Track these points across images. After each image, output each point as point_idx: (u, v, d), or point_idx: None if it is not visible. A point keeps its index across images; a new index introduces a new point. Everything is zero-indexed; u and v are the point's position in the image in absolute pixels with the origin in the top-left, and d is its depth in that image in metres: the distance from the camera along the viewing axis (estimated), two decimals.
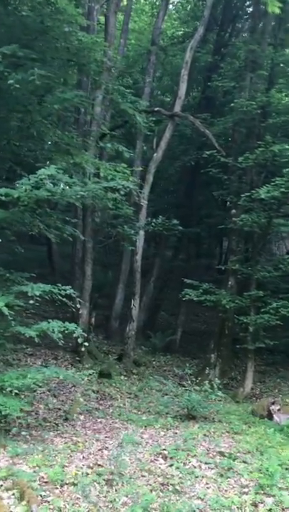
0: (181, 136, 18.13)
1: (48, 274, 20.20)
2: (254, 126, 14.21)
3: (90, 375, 12.30)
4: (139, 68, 21.01)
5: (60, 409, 9.53)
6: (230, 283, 14.06)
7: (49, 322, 7.70)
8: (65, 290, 7.98)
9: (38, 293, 7.45)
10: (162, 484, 7.03)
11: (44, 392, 10.37)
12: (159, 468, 7.59)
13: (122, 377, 13.10)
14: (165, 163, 18.33)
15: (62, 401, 10.09)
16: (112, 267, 19.40)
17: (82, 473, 6.81)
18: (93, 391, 11.18)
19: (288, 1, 12.77)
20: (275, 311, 12.30)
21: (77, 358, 13.24)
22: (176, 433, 9.44)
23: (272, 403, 11.37)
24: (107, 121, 16.50)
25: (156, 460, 7.89)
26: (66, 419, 9.07)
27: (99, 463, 7.30)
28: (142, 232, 14.92)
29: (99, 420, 9.48)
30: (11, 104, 9.43)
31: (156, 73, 21.86)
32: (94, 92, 13.88)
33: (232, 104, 13.71)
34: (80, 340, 7.52)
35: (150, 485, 6.98)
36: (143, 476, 7.25)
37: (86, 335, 7.69)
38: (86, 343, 7.60)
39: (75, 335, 7.55)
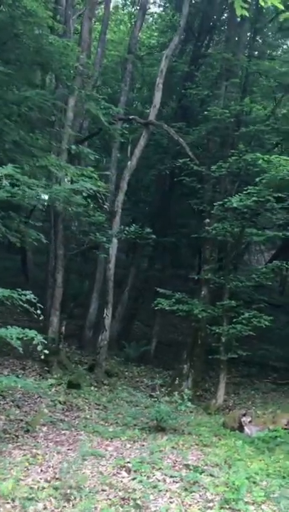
0: (157, 145, 17.97)
1: (22, 283, 19.82)
2: (228, 135, 14.10)
3: (59, 385, 11.98)
4: (117, 77, 20.90)
5: (22, 420, 9.16)
6: (203, 292, 13.85)
7: (7, 328, 7.34)
8: (25, 295, 7.66)
9: None
10: (123, 499, 6.71)
11: (7, 403, 9.99)
12: (121, 481, 7.26)
13: (92, 387, 12.76)
14: (141, 172, 18.21)
15: (26, 412, 9.72)
16: (88, 276, 19.13)
17: (39, 488, 6.46)
18: (60, 402, 10.82)
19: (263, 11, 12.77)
20: (248, 321, 12.10)
21: (46, 368, 12.88)
22: (143, 445, 9.12)
23: (244, 415, 11.11)
24: (85, 128, 16.37)
25: (119, 473, 7.57)
26: (28, 431, 8.70)
27: (57, 476, 6.95)
28: (115, 240, 14.67)
29: (63, 432, 9.13)
30: None
31: (136, 84, 21.86)
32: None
33: (205, 113, 13.57)
34: (39, 348, 7.21)
35: (110, 499, 6.65)
36: (103, 490, 6.92)
37: (46, 342, 7.35)
38: (46, 351, 7.28)
39: (34, 342, 7.22)
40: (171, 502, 6.89)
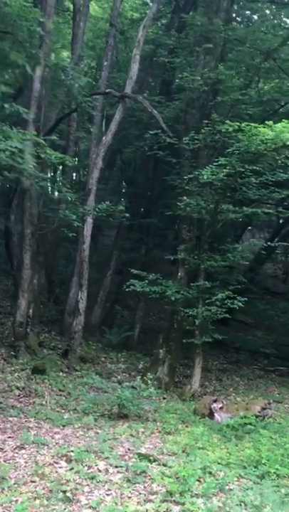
0: (138, 121, 17.26)
1: (10, 269, 19.36)
2: (204, 107, 13.33)
3: (23, 370, 11.46)
4: (99, 54, 20.23)
5: None
6: (180, 274, 13.19)
7: None
8: None
9: None
10: (51, 491, 6.13)
11: None
12: (56, 472, 6.70)
13: (62, 373, 12.22)
14: (121, 149, 17.61)
15: None
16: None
17: None
18: (17, 388, 10.29)
19: None
20: (221, 302, 11.44)
21: (13, 353, 12.35)
22: (97, 433, 8.58)
23: (214, 401, 10.53)
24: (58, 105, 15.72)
25: (57, 463, 7.01)
26: None
27: None
28: (89, 220, 14.06)
29: (10, 419, 8.59)
30: None
31: (121, 60, 21.13)
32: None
33: (177, 81, 12.85)
34: None
35: (36, 492, 6.08)
36: (32, 481, 6.36)
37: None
38: None
39: None
40: (107, 494, 6.33)
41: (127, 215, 13.83)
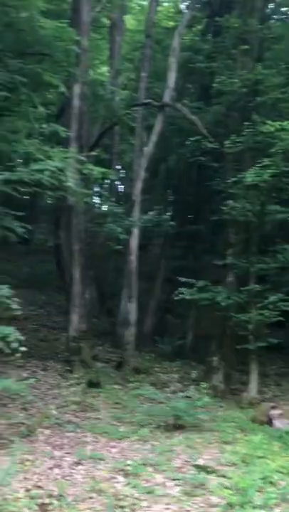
0: (178, 129, 17.19)
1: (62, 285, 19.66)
2: (244, 108, 13.14)
3: (78, 385, 11.53)
4: (135, 66, 20.33)
5: (24, 423, 8.68)
6: (229, 279, 12.99)
7: None
8: None
9: None
10: (109, 507, 6.07)
11: (15, 406, 9.58)
12: (114, 487, 6.63)
13: (116, 386, 12.22)
14: (164, 157, 17.61)
15: (32, 414, 9.26)
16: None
17: (13, 499, 5.91)
18: (74, 402, 10.33)
19: None
20: (274, 305, 11.18)
21: (68, 368, 12.47)
22: (153, 445, 8.48)
23: (273, 408, 10.26)
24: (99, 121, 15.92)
25: (114, 478, 6.95)
26: (28, 435, 8.21)
27: (39, 484, 6.40)
28: (135, 231, 14.08)
29: (67, 434, 8.60)
30: None
31: (159, 70, 21.15)
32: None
33: (215, 85, 12.73)
34: (14, 345, 6.70)
35: (94, 508, 6.03)
36: (90, 497, 6.31)
37: (22, 339, 6.80)
38: (23, 348, 6.75)
39: (10, 339, 6.72)
40: (166, 509, 6.21)
41: (173, 223, 13.77)
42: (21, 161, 9.20)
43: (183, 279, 12.80)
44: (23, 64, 9.91)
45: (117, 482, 6.81)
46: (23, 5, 10.17)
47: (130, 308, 13.94)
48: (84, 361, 12.81)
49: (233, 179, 11.63)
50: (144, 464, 7.41)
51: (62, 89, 10.69)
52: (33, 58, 11.99)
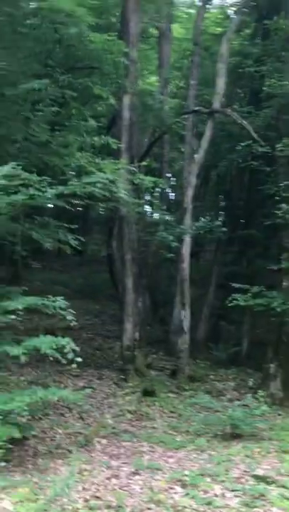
0: (229, 134, 17.07)
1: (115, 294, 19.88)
2: None
3: (133, 393, 11.55)
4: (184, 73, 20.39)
5: (81, 433, 8.77)
6: (284, 284, 12.74)
7: (39, 338, 7.02)
8: (53, 301, 7.30)
9: (21, 307, 6.83)
10: None
11: (72, 416, 9.69)
12: (172, 498, 6.58)
13: (171, 394, 12.16)
14: (215, 164, 17.51)
15: (88, 424, 9.35)
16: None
17: (72, 509, 5.96)
18: (129, 411, 10.36)
19: None
20: None
21: (123, 377, 12.51)
22: (211, 455, 8.38)
23: None
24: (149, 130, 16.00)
25: (172, 488, 6.90)
26: (85, 445, 8.28)
27: (98, 495, 6.43)
28: (187, 238, 14.03)
29: (123, 444, 8.63)
30: None
31: (208, 76, 21.10)
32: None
33: (265, 88, 12.57)
34: (69, 356, 6.78)
35: None
36: (149, 508, 6.28)
37: (77, 349, 6.87)
38: (78, 359, 6.81)
39: (66, 350, 6.81)
40: None
41: (225, 229, 13.66)
42: (74, 173, 9.34)
43: (236, 285, 12.64)
44: (72, 78, 10.08)
45: (175, 493, 6.76)
46: (72, 21, 10.34)
47: (183, 316, 13.87)
48: (138, 370, 12.84)
49: (286, 182, 11.44)
50: (201, 475, 7.33)
51: (112, 101, 10.82)
52: (83, 72, 12.23)
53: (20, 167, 6.90)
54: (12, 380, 10.56)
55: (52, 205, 9.11)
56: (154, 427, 9.72)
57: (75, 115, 10.51)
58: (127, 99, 13.12)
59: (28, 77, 9.39)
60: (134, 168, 10.40)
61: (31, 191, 6.84)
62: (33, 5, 10.43)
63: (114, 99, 11.52)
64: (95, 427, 9.03)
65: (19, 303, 6.95)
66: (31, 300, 7.26)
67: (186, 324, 13.80)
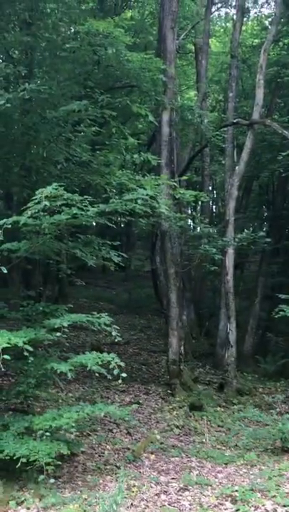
0: (270, 145, 16.96)
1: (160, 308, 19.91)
2: None
3: (180, 408, 11.50)
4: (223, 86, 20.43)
5: (129, 448, 8.78)
6: None
7: (85, 354, 7.10)
8: (98, 318, 7.38)
9: (66, 324, 6.93)
10: None
11: (120, 431, 9.71)
12: None
13: (219, 408, 12.03)
14: (257, 174, 17.42)
15: (136, 439, 9.34)
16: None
17: None
18: (177, 426, 10.30)
19: None
20: None
21: (169, 391, 12.48)
22: (261, 470, 8.25)
23: None
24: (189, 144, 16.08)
25: (222, 504, 6.82)
26: (133, 460, 8.29)
27: (146, 511, 6.42)
28: (230, 251, 13.94)
29: (172, 459, 8.58)
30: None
31: (247, 88, 21.08)
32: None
33: None
34: (115, 372, 6.82)
35: None
36: None
37: (123, 365, 6.91)
38: (124, 374, 6.83)
39: (110, 366, 6.86)
40: None
41: (269, 239, 13.52)
42: (115, 191, 9.48)
43: (283, 296, 12.44)
44: (111, 98, 10.25)
45: (225, 509, 6.68)
46: (110, 42, 10.53)
47: (229, 328, 13.74)
48: (185, 384, 12.78)
49: None
50: (252, 490, 7.20)
51: (151, 118, 10.92)
52: (122, 91, 12.42)
53: (63, 187, 7.02)
54: (60, 396, 10.69)
55: (94, 223, 9.22)
56: (202, 442, 9.64)
57: (115, 134, 10.67)
58: (166, 115, 13.20)
59: (68, 99, 9.61)
60: (174, 183, 10.42)
61: (74, 210, 6.93)
62: (71, 29, 10.69)
63: (154, 116, 11.60)
64: (143, 442, 9.01)
65: (65, 320, 7.03)
66: (76, 317, 7.34)
67: (233, 337, 13.67)
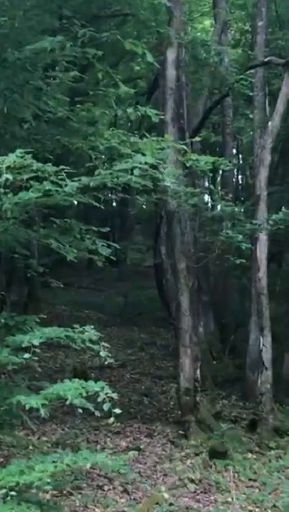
0: None
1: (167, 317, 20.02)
2: None
3: (197, 455, 11.54)
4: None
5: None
6: None
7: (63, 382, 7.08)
8: (82, 332, 7.37)
9: (37, 342, 6.90)
10: None
11: (114, 488, 9.74)
12: None
13: (250, 455, 12.06)
14: None
15: (136, 500, 9.35)
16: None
17: None
18: (192, 480, 10.31)
19: None
20: None
21: (181, 432, 12.49)
22: None
23: None
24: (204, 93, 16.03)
25: None
26: None
27: None
28: (262, 237, 13.92)
29: None
30: None
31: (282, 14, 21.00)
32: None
33: None
34: (106, 407, 6.78)
35: None
36: None
37: (116, 397, 6.88)
38: (117, 410, 6.78)
39: (99, 399, 6.83)
40: None
41: None
42: (103, 159, 9.47)
43: None
44: (96, 32, 10.16)
45: None
46: None
47: (263, 344, 13.71)
48: (203, 422, 12.78)
49: None
50: None
51: (149, 58, 10.82)
52: (110, 21, 12.36)
53: (31, 154, 6.98)
54: (31, 441, 10.71)
55: (76, 203, 9.25)
56: (227, 502, 9.63)
57: (102, 80, 10.62)
58: (171, 54, 13.14)
59: (37, 35, 9.52)
60: (184, 146, 10.37)
61: (46, 186, 6.89)
62: None
63: (155, 56, 11.54)
64: (145, 503, 9.02)
65: (36, 336, 6.98)
66: (52, 332, 7.28)
67: (268, 355, 13.63)
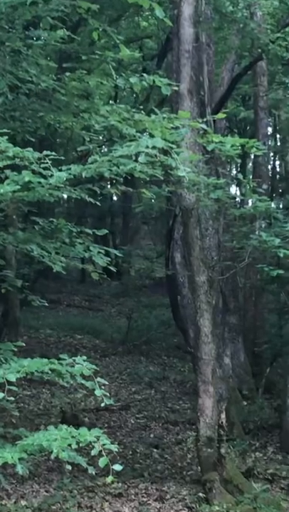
0: None
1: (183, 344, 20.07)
2: None
3: None
4: None
5: None
6: None
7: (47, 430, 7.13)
8: (72, 365, 7.44)
9: (13, 377, 6.96)
10: None
11: None
12: None
13: None
14: None
15: None
16: None
17: None
18: None
19: None
20: None
21: (202, 494, 12.48)
22: None
23: None
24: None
25: None
26: None
27: None
28: None
29: None
30: None
31: None
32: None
33: None
34: (102, 462, 6.81)
35: None
36: None
37: (117, 450, 6.93)
38: (118, 466, 6.82)
39: (93, 452, 6.88)
40: None
41: None
42: (98, 141, 9.52)
43: None
44: None
45: None
46: None
47: None
48: (230, 481, 12.77)
49: None
50: None
51: (159, 13, 10.82)
52: None
53: (7, 137, 7.06)
54: (5, 507, 10.73)
55: (65, 197, 9.28)
56: None
57: (98, 41, 10.63)
58: (188, 7, 13.22)
59: None
60: (204, 125, 10.42)
61: (27, 177, 6.96)
62: None
63: (166, 9, 11.60)
64: None
65: (12, 370, 7.05)
66: (33, 364, 7.30)
67: None
